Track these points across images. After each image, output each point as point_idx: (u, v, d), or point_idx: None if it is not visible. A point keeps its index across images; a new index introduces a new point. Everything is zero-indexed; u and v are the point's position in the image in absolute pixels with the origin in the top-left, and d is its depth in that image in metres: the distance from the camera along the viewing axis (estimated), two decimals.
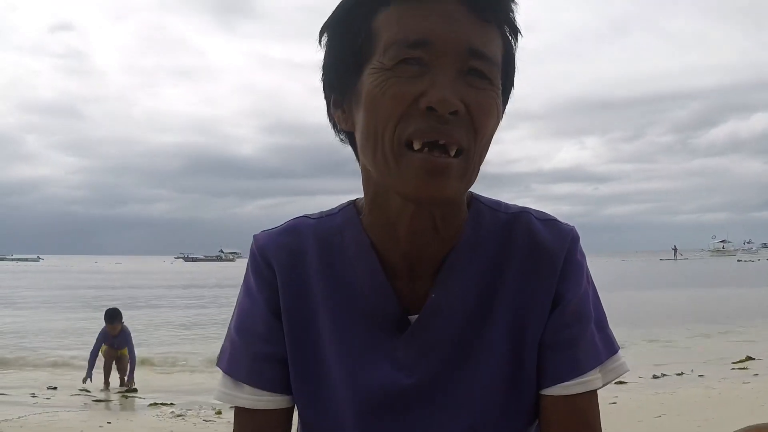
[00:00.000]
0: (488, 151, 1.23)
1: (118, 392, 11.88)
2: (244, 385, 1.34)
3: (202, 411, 9.78)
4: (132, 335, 12.72)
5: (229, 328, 1.41)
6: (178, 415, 9.58)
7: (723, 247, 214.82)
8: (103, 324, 12.48)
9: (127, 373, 12.40)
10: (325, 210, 1.42)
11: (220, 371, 1.38)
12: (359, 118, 1.21)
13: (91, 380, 11.89)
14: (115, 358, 12.44)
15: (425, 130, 1.13)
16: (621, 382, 10.47)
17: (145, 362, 14.45)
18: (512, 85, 1.30)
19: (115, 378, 12.43)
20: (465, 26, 1.17)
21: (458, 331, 1.31)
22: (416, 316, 1.31)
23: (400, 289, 1.32)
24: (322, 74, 1.30)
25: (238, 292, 1.42)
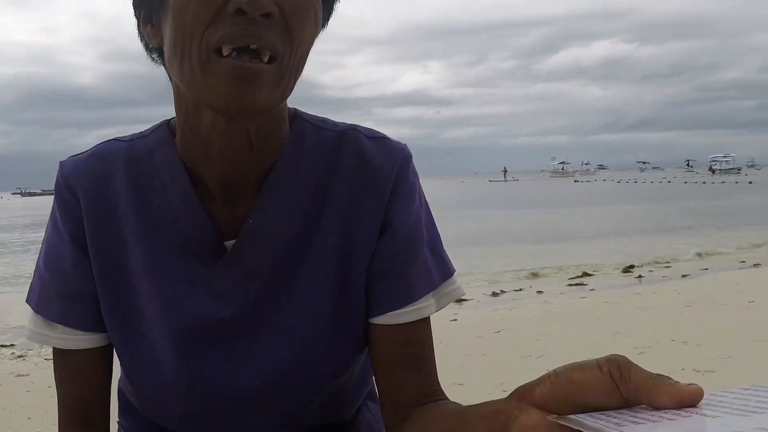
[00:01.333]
0: (305, 63, 1.16)
1: None
2: (56, 324, 1.26)
3: (43, 350, 9.50)
4: None
5: (38, 264, 1.31)
6: (19, 356, 9.29)
7: (562, 169, 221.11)
8: None
9: None
10: (138, 132, 1.33)
11: (30, 309, 1.29)
12: (167, 30, 1.12)
13: None
14: None
15: (234, 34, 1.04)
16: (461, 300, 10.75)
17: None
18: None
19: None
20: None
21: (279, 257, 1.25)
22: (232, 243, 1.24)
23: (217, 215, 1.24)
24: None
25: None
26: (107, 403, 1.31)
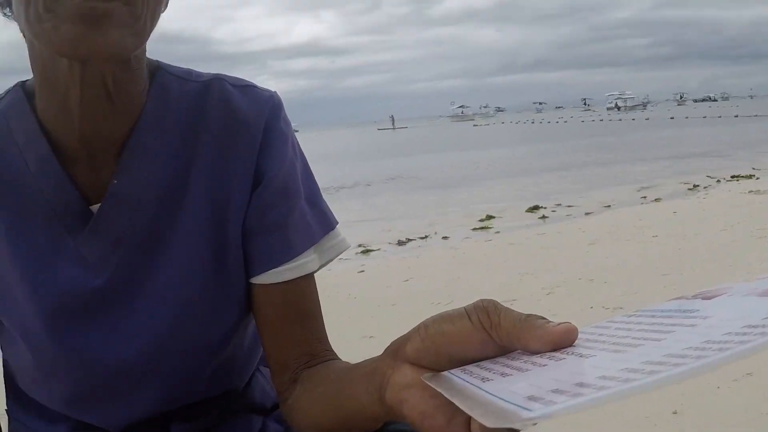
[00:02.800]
0: (163, 6, 1.08)
1: None
2: None
3: None
4: None
5: None
6: None
7: (462, 113, 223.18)
8: None
9: None
10: None
11: None
12: None
13: None
14: None
15: None
16: (368, 251, 10.86)
17: None
18: None
19: None
20: None
21: (148, 220, 1.19)
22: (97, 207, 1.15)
23: (81, 178, 1.17)
24: None
25: None
26: None
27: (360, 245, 11.14)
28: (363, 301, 7.27)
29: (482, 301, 0.72)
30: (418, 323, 0.77)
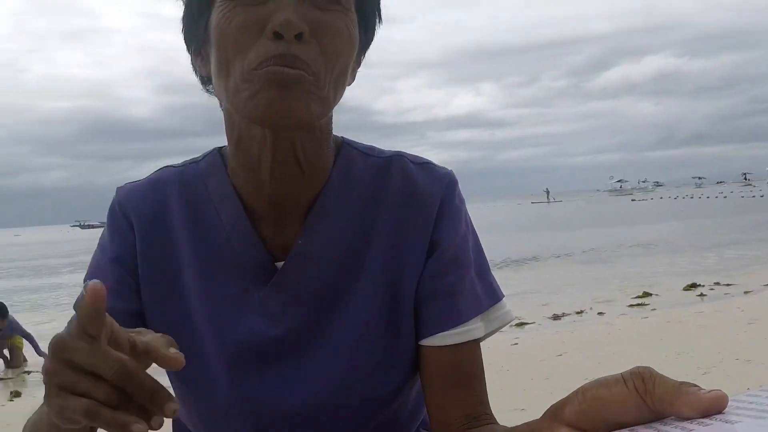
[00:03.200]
0: (346, 79, 1.20)
1: (26, 371, 11.54)
2: None
3: None
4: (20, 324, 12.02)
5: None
6: None
7: (621, 187, 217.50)
8: None
9: (34, 349, 11.70)
10: (189, 159, 1.38)
11: None
12: (213, 56, 1.17)
13: None
14: (3, 349, 11.89)
15: (272, 56, 1.08)
16: (522, 324, 10.73)
17: (46, 334, 14.14)
18: (376, 12, 1.27)
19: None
20: None
21: (328, 279, 1.28)
22: (282, 265, 1.27)
23: (268, 236, 1.28)
24: (182, 27, 1.26)
25: None
26: None
27: (515, 318, 10.98)
28: (515, 374, 7.24)
29: (638, 367, 0.75)
30: (576, 388, 0.79)
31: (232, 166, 1.28)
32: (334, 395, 1.28)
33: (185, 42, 1.27)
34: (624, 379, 0.74)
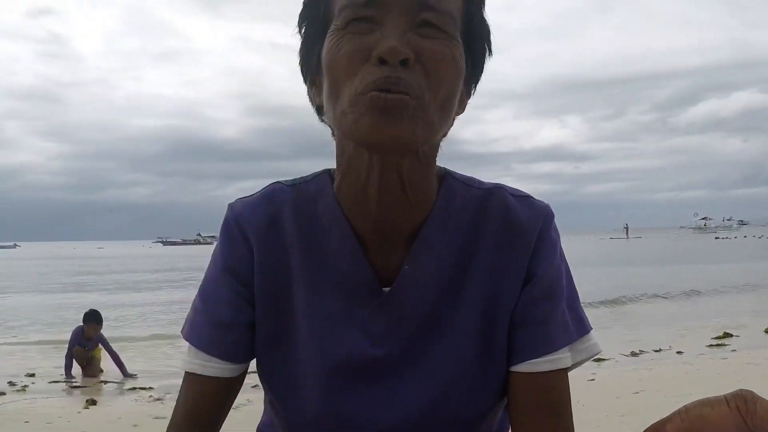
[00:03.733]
0: (453, 108, 1.24)
1: (102, 381, 11.70)
2: (198, 350, 1.35)
3: None
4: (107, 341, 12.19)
5: (195, 298, 1.41)
6: (157, 399, 9.57)
7: (705, 225, 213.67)
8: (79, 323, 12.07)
9: (119, 367, 11.84)
10: (299, 177, 1.42)
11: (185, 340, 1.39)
12: (324, 84, 1.22)
13: (72, 377, 11.71)
14: (86, 359, 12.04)
15: (377, 81, 1.13)
16: (599, 360, 10.55)
17: (125, 348, 14.39)
18: (485, 46, 1.30)
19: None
20: None
21: (430, 304, 1.32)
22: (389, 288, 1.31)
23: (373, 260, 1.32)
24: (299, 59, 1.33)
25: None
26: None
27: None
28: (591, 409, 7.13)
29: (741, 390, 0.79)
30: (679, 408, 0.83)
31: (341, 189, 1.32)
32: (425, 416, 1.32)
33: (302, 72, 1.33)
34: (727, 399, 0.77)
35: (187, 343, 1.38)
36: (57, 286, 35.62)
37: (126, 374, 11.83)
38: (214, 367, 1.34)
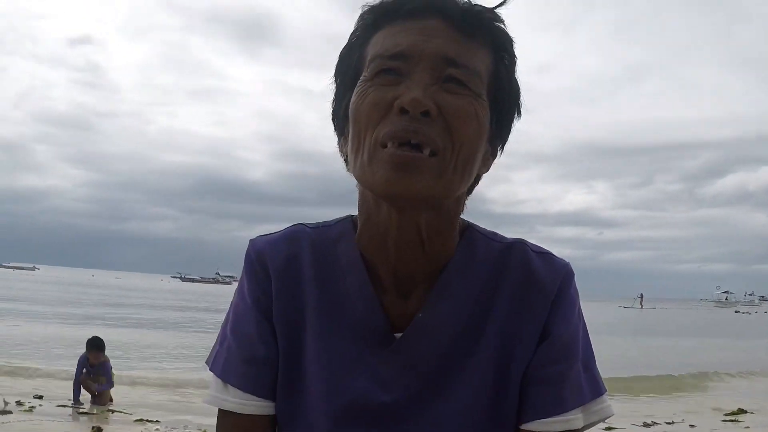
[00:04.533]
0: (474, 164, 1.25)
1: (110, 410, 11.67)
2: (235, 388, 1.34)
3: (187, 430, 9.74)
4: (111, 368, 12.25)
5: (223, 333, 1.41)
6: None
7: (726, 299, 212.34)
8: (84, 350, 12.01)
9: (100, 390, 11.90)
10: (322, 221, 1.43)
11: (212, 374, 1.38)
12: (350, 133, 1.24)
13: (81, 404, 11.70)
14: (93, 386, 11.95)
15: (398, 131, 1.16)
16: (610, 428, 10.48)
17: (135, 381, 14.40)
18: (514, 107, 1.31)
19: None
20: (443, 39, 1.21)
21: (442, 353, 1.31)
22: (401, 334, 1.30)
23: (388, 306, 1.32)
24: (331, 111, 1.34)
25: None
26: None
27: (603, 422, 10.79)
28: None
29: None
30: None
31: (361, 236, 1.33)
32: None
33: (333, 123, 1.35)
34: None
35: (215, 380, 1.37)
36: (78, 313, 35.73)
37: (102, 400, 11.84)
38: (252, 404, 1.34)
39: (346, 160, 1.34)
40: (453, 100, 1.19)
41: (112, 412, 11.40)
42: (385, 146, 1.17)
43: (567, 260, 1.38)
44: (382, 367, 1.31)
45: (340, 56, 1.32)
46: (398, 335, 1.31)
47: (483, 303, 1.32)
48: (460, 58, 1.21)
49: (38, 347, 20.04)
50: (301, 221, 1.44)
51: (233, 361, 1.36)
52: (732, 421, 12.31)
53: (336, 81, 1.33)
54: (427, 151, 1.16)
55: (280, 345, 1.35)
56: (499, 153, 1.34)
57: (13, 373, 14.92)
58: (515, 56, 1.30)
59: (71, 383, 12.02)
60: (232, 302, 1.42)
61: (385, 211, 1.24)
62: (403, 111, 1.16)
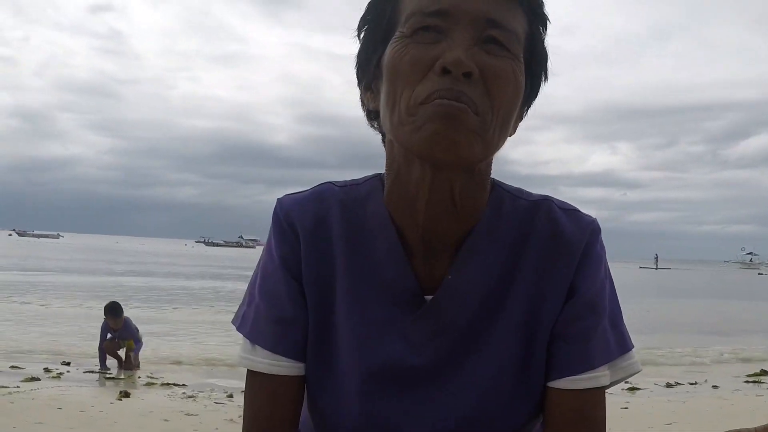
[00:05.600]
0: (510, 126, 1.24)
1: (137, 375, 11.73)
2: (264, 349, 1.34)
3: (214, 393, 9.79)
4: (136, 326, 12.37)
5: (250, 293, 1.40)
6: (189, 396, 9.58)
7: (751, 260, 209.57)
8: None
9: (132, 356, 11.99)
10: (350, 179, 1.42)
11: (240, 335, 1.38)
12: (382, 91, 1.22)
13: (108, 369, 11.81)
14: (118, 350, 12.11)
15: (440, 90, 1.13)
16: (634, 388, 10.50)
17: (160, 346, 14.47)
18: (543, 71, 1.31)
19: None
20: None
21: (472, 315, 1.31)
22: (431, 297, 1.30)
23: (418, 269, 1.32)
24: (356, 63, 1.33)
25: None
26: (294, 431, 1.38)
27: (626, 382, 10.73)
28: None
29: None
30: None
31: (390, 196, 1.32)
32: (460, 427, 1.31)
33: (357, 77, 1.34)
34: (756, 430, 0.79)
35: (243, 341, 1.37)
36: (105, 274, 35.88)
37: (128, 365, 11.92)
38: (281, 365, 1.34)
39: (368, 114, 1.34)
40: (494, 63, 1.17)
41: (140, 377, 11.48)
42: (426, 104, 1.14)
43: (593, 216, 1.37)
44: (413, 329, 1.31)
45: (370, 5, 1.30)
46: (428, 298, 1.31)
47: (510, 263, 1.32)
48: (501, 18, 1.19)
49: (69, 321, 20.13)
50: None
51: (261, 321, 1.35)
52: (755, 382, 12.26)
53: (362, 34, 1.31)
54: (470, 113, 1.15)
55: (310, 306, 1.34)
56: (525, 115, 1.33)
57: (39, 340, 15.02)
58: (548, 20, 1.29)
59: (96, 350, 12.11)
60: (259, 262, 1.41)
61: (418, 169, 1.23)
62: (445, 71, 1.14)
